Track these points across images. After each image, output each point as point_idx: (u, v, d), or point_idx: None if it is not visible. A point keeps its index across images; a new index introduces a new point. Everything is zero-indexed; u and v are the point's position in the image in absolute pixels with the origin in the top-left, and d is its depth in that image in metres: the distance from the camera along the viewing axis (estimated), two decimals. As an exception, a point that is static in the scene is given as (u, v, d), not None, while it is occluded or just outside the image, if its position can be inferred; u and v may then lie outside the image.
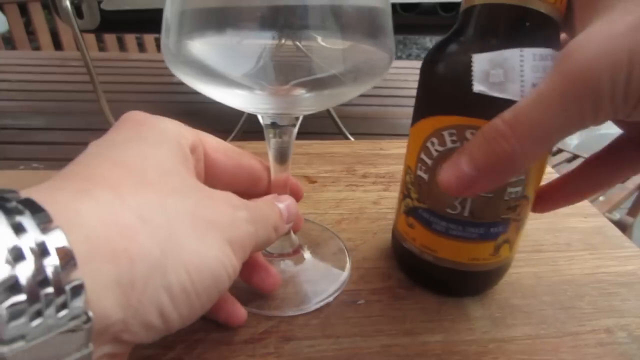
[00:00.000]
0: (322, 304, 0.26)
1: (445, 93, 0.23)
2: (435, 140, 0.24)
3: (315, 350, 0.24)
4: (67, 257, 0.13)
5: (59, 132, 0.79)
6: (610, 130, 0.22)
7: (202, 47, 0.21)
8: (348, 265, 0.30)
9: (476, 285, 0.28)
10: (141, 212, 0.16)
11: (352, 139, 0.70)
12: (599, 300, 0.28)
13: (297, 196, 0.27)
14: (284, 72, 0.21)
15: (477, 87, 0.21)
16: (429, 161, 0.25)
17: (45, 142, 0.76)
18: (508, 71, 0.20)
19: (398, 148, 0.48)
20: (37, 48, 1.56)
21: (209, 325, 0.24)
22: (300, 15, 0.19)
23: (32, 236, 0.13)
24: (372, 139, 0.51)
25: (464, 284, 0.28)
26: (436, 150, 0.24)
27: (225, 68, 0.21)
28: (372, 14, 0.22)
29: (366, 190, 0.40)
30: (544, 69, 0.20)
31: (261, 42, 0.20)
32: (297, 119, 0.25)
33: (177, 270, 0.16)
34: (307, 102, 0.22)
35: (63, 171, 0.17)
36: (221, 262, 0.18)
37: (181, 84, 0.22)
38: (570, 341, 0.25)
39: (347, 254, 0.31)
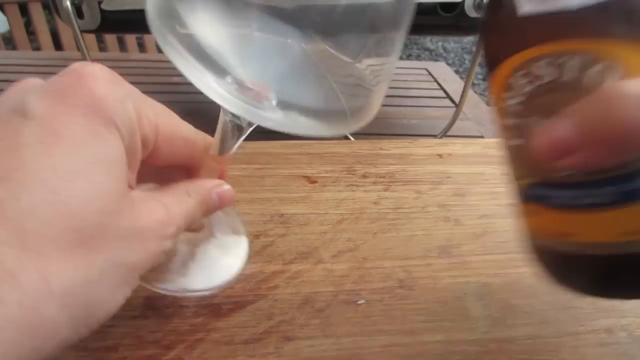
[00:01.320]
0: (230, 277, 0.25)
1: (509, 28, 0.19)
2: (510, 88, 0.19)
3: (315, 350, 0.24)
4: None
5: (59, 132, 0.79)
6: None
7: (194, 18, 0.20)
8: (244, 237, 0.28)
9: None
10: (65, 297, 0.16)
11: (352, 139, 0.70)
12: (599, 300, 0.28)
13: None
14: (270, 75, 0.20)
15: (523, 9, 0.17)
16: (517, 120, 0.19)
17: (46, 142, 0.76)
18: None
19: (398, 148, 0.48)
20: (37, 48, 1.56)
21: (209, 325, 0.24)
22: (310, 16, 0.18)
23: None
24: (372, 139, 0.51)
25: (626, 277, 0.18)
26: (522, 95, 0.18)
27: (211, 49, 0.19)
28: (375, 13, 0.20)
29: (366, 190, 0.40)
30: None
31: (265, 36, 0.19)
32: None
33: (80, 332, 0.17)
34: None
35: None
36: (124, 300, 0.19)
37: (181, 84, 0.22)
38: (570, 341, 0.25)
39: (242, 229, 0.29)
